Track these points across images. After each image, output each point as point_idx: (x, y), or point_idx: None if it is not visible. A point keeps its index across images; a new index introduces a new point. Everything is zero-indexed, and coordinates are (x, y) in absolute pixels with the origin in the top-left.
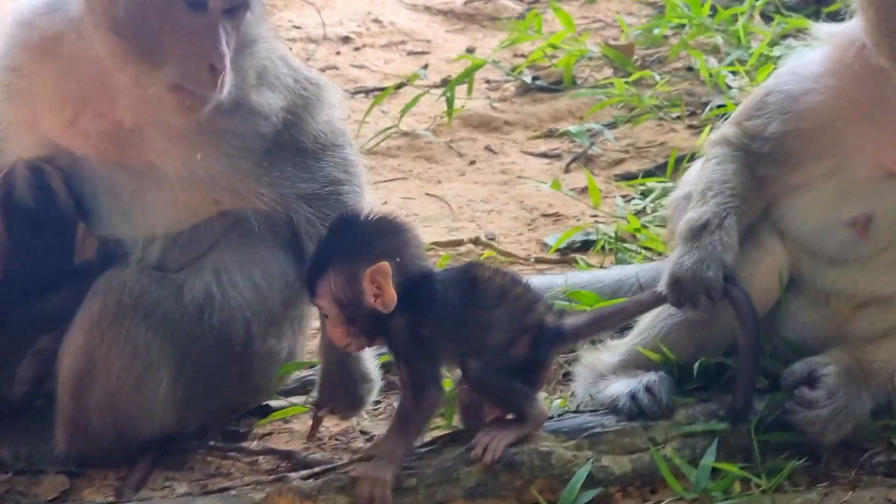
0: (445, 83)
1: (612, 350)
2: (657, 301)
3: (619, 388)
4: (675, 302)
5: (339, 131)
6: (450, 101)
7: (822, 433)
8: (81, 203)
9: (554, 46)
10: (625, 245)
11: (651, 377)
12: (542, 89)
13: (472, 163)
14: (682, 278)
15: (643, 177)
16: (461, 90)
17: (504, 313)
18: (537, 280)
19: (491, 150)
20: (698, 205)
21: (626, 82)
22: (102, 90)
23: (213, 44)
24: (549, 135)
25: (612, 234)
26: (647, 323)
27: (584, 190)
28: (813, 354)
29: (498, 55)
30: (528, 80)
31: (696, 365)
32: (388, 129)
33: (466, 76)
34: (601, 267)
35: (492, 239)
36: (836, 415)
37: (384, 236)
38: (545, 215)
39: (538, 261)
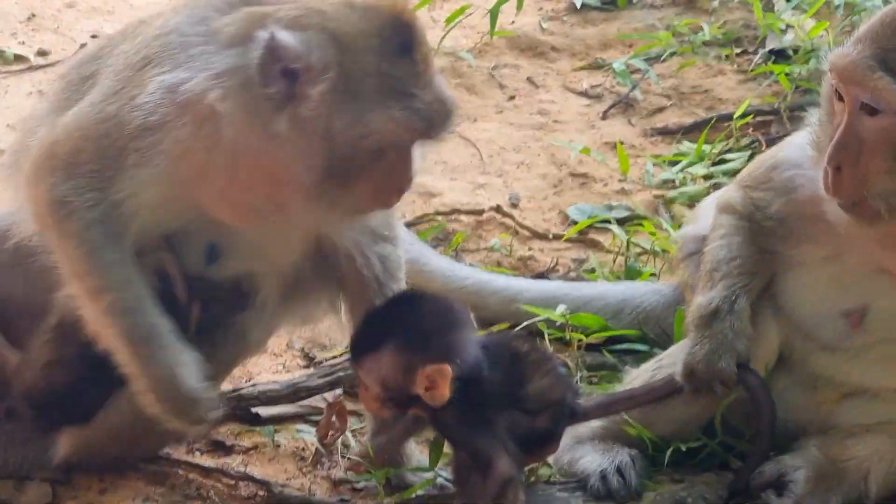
0: None
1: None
2: (669, 389)
3: (592, 464)
4: (692, 391)
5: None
6: (492, 19)
7: None
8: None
9: None
10: (639, 245)
11: (624, 457)
12: (595, 8)
13: (512, 98)
14: (696, 370)
15: (681, 134)
16: (510, 4)
17: (536, 387)
18: (546, 286)
19: (532, 83)
20: (707, 288)
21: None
22: (265, 179)
23: (409, 171)
24: (595, 66)
25: (624, 237)
26: (623, 392)
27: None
28: (792, 438)
29: None
30: None
31: (669, 451)
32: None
33: None
34: (610, 272)
35: (515, 205)
36: None
37: (449, 333)
38: (574, 175)
39: (555, 237)
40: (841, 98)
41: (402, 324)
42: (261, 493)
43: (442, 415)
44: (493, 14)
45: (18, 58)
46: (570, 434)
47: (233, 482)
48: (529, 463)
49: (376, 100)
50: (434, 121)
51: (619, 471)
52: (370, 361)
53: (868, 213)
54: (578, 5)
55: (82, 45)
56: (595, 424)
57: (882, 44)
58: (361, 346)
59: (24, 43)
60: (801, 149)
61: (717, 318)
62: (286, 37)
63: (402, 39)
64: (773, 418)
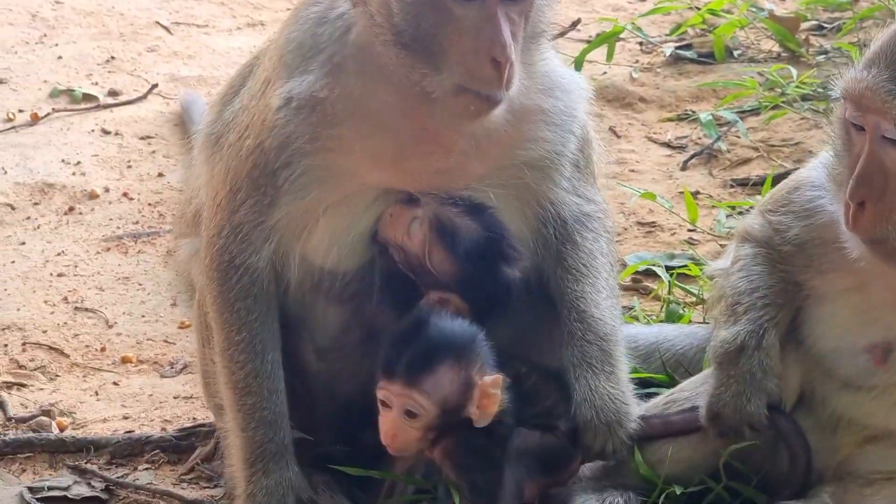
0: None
1: None
2: (689, 428)
3: None
4: (718, 435)
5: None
6: (577, 67)
7: None
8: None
9: (712, 13)
10: (686, 288)
11: (616, 499)
12: (692, 61)
13: None
14: (722, 413)
15: (762, 185)
16: (599, 54)
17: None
18: None
19: (614, 133)
20: (730, 322)
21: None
22: (411, 126)
23: (494, 34)
24: (683, 118)
25: (668, 278)
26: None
27: (694, 195)
28: (807, 485)
29: (656, 18)
30: (679, 49)
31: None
32: None
33: (602, 42)
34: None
35: None
36: None
37: (486, 342)
38: (641, 224)
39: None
40: (858, 127)
41: (450, 337)
42: None
43: (464, 442)
44: (578, 62)
45: (87, 97)
46: None
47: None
48: (548, 486)
49: None
50: None
51: None
52: (428, 382)
53: (891, 250)
54: (667, 53)
55: (153, 86)
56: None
57: None
58: (416, 366)
59: (97, 83)
60: (823, 171)
61: (743, 354)
62: None
63: None
64: (810, 466)
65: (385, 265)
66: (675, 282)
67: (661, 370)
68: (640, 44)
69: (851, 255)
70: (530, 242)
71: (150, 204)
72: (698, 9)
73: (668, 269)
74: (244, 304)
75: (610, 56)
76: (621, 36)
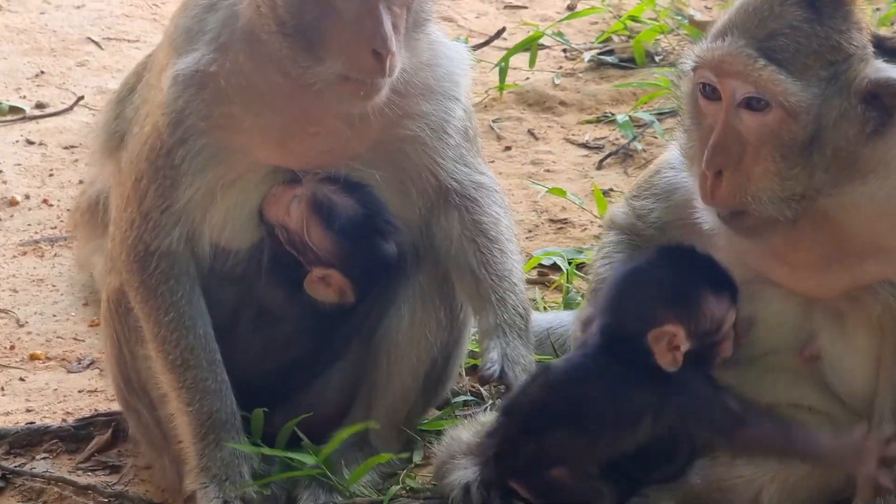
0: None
1: (470, 427)
2: None
3: (459, 476)
4: None
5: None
6: (501, 74)
7: None
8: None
9: (634, 20)
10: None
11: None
12: (613, 66)
13: (508, 149)
14: None
15: None
16: (524, 61)
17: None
18: None
19: (532, 135)
20: (591, 305)
21: None
22: (296, 108)
23: (375, 27)
24: (601, 120)
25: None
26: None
27: (606, 192)
28: None
29: (582, 27)
30: (601, 55)
31: None
32: None
33: (524, 46)
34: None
35: None
36: None
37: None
38: (552, 221)
39: None
40: (709, 96)
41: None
42: None
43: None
44: (503, 70)
45: (14, 109)
46: (446, 448)
47: (105, 500)
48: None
49: None
50: None
51: (484, 484)
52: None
53: (748, 224)
54: (588, 59)
55: (79, 98)
56: (466, 438)
57: (754, 33)
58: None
59: (24, 97)
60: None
61: None
62: None
63: None
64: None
65: (272, 245)
66: (575, 272)
67: (552, 353)
68: (565, 51)
69: (705, 228)
70: (419, 213)
71: (69, 210)
72: (620, 17)
73: (572, 262)
74: (167, 286)
75: (532, 61)
76: (547, 45)
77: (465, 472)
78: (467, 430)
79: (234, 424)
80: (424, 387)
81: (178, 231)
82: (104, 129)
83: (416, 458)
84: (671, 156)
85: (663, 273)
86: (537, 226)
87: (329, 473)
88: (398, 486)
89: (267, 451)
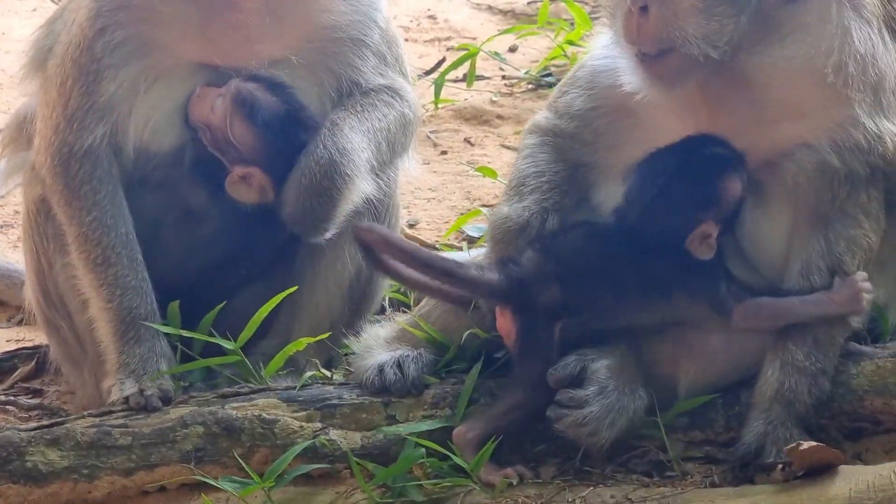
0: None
1: (387, 325)
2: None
3: (373, 361)
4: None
5: None
6: (437, 88)
7: (595, 433)
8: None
9: (572, 43)
10: None
11: (406, 353)
12: (551, 86)
13: (444, 153)
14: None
15: None
16: (461, 87)
17: None
18: None
19: (469, 143)
20: (514, 200)
21: None
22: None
23: None
24: None
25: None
26: (424, 302)
27: None
28: None
29: (524, 51)
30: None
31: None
32: None
33: (458, 65)
34: None
35: (412, 226)
36: (608, 412)
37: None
38: (485, 205)
39: (442, 247)
40: None
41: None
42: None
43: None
44: (438, 84)
45: None
46: (363, 344)
47: (25, 415)
48: None
49: None
50: None
51: (399, 364)
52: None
53: (672, 66)
54: (525, 79)
55: None
56: (383, 334)
57: None
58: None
59: None
60: (606, 47)
61: (524, 234)
62: None
63: None
64: None
65: (196, 147)
66: None
67: None
68: (504, 77)
69: (628, 89)
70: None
71: (3, 206)
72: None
73: None
74: (90, 186)
75: (470, 80)
76: (486, 75)
77: (380, 356)
78: (385, 328)
79: (153, 320)
80: (350, 297)
81: (102, 129)
82: (34, 46)
83: (337, 377)
84: (596, 50)
85: (689, 176)
86: (469, 210)
87: (246, 360)
88: (311, 373)
89: (186, 333)
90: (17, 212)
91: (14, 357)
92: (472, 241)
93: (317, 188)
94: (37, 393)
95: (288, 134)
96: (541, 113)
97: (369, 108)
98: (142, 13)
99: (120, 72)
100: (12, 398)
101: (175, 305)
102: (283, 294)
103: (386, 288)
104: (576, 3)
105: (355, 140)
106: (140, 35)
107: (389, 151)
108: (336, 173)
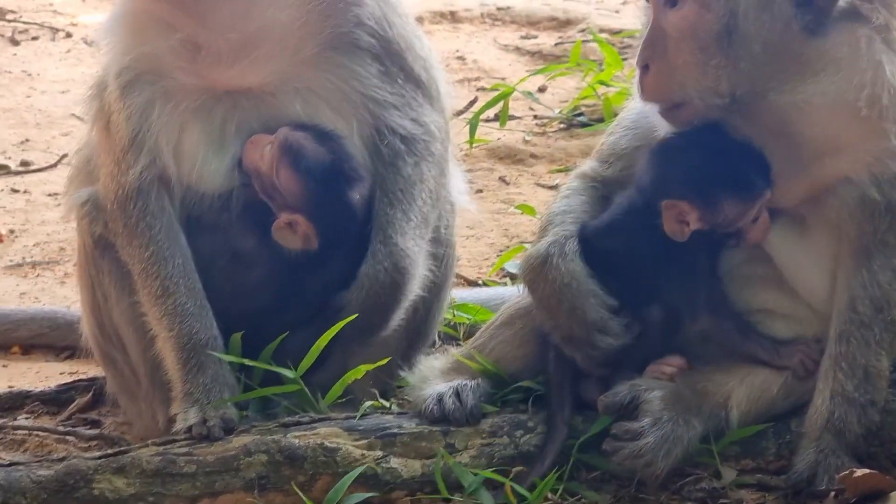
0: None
1: (442, 358)
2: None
3: (431, 390)
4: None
5: None
6: (472, 129)
7: (651, 463)
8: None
9: (603, 83)
10: None
11: (463, 382)
12: (583, 125)
13: (479, 191)
14: (574, 335)
15: None
16: (494, 126)
17: None
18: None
19: (504, 181)
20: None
21: None
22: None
23: None
24: (571, 169)
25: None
26: (479, 335)
27: None
28: None
29: (555, 91)
30: (573, 116)
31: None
32: None
33: (495, 102)
34: None
35: None
36: (664, 442)
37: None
38: (525, 242)
39: (485, 284)
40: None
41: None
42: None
43: None
44: (472, 125)
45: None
46: (419, 376)
47: (85, 445)
48: None
49: None
50: None
51: (457, 393)
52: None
53: (686, 117)
54: (556, 118)
55: (63, 156)
56: (438, 365)
57: None
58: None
59: (10, 158)
60: None
61: (547, 265)
62: None
63: None
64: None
65: (246, 192)
66: None
67: None
68: (535, 117)
69: (665, 133)
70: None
71: (49, 242)
72: (592, 83)
73: None
74: (145, 223)
75: (503, 120)
76: (517, 115)
77: (438, 386)
78: (440, 360)
79: (215, 347)
80: (406, 335)
81: (143, 162)
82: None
83: (394, 408)
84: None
85: (699, 157)
86: (508, 247)
87: (306, 389)
88: (370, 403)
89: (248, 362)
90: (62, 248)
91: (71, 389)
92: (513, 278)
93: (378, 306)
94: (95, 424)
95: (332, 184)
96: (587, 162)
97: (410, 186)
98: (150, 47)
99: (140, 104)
100: (71, 428)
101: (237, 336)
102: (344, 322)
103: (441, 323)
104: (606, 43)
105: (410, 247)
106: (151, 64)
107: (434, 206)
108: (398, 291)
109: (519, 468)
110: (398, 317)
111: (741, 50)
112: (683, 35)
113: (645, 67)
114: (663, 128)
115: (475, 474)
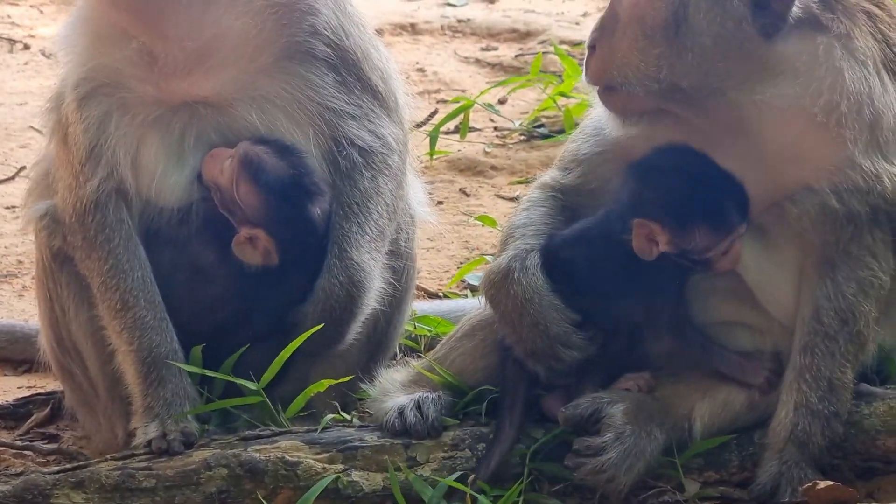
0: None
1: (402, 370)
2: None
3: (392, 403)
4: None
5: None
6: (432, 141)
7: (614, 478)
8: None
9: (563, 95)
10: None
11: (424, 395)
12: (544, 137)
13: (440, 203)
14: (536, 350)
15: None
16: (454, 139)
17: None
18: (420, 306)
19: (464, 193)
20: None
21: None
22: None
23: None
24: (532, 180)
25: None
26: (439, 347)
27: None
28: None
29: (514, 103)
30: (532, 128)
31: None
32: None
33: (452, 117)
34: None
35: None
36: (626, 457)
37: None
38: (485, 254)
39: (445, 296)
40: None
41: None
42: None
43: None
44: (433, 137)
45: None
46: (380, 389)
47: (42, 460)
48: None
49: None
50: None
51: (419, 406)
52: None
53: (620, 102)
54: (518, 130)
55: (21, 168)
56: (400, 378)
57: None
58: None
59: None
60: None
61: (508, 279)
62: None
63: None
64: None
65: (205, 207)
66: None
67: None
68: (496, 129)
69: (606, 132)
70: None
71: (6, 255)
72: (552, 95)
73: None
74: (103, 235)
75: (464, 132)
76: (478, 127)
77: (399, 398)
78: (401, 372)
79: (175, 360)
80: (366, 347)
81: (101, 172)
82: (51, 98)
83: (354, 421)
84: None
85: (679, 181)
86: (468, 259)
87: (268, 401)
88: (331, 416)
89: (209, 373)
90: (20, 262)
91: (29, 403)
92: (473, 290)
93: (334, 320)
94: (53, 438)
95: (292, 199)
96: (549, 171)
97: (367, 199)
98: (107, 58)
99: (97, 116)
100: (29, 443)
101: (198, 349)
102: (306, 335)
103: (402, 335)
104: (567, 55)
105: (365, 261)
106: (109, 76)
107: (391, 220)
108: (353, 305)
109: (473, 476)
110: (355, 330)
111: (689, 41)
112: (632, 19)
113: (592, 48)
114: (603, 118)
115: (433, 487)
